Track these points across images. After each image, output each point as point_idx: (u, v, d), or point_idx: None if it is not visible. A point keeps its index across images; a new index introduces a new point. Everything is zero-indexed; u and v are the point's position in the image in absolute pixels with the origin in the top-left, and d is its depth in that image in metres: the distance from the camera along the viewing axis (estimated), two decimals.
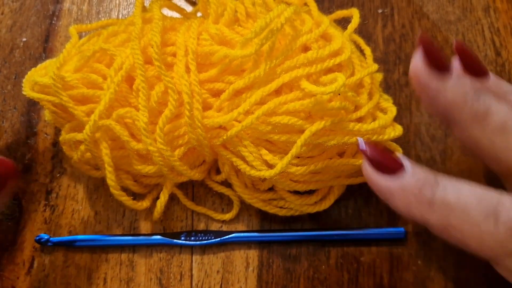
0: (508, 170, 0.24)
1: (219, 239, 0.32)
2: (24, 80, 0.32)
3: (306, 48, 0.31)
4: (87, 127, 0.29)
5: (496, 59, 0.38)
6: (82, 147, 0.30)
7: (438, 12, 0.40)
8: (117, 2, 0.41)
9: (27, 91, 0.31)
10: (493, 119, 0.23)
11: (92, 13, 0.40)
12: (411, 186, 0.22)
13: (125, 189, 0.31)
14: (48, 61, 0.34)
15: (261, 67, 0.28)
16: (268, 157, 0.29)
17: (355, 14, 0.34)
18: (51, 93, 0.30)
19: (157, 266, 0.32)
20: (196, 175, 0.31)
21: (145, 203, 0.32)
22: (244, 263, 0.32)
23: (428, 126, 0.36)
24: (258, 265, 0.32)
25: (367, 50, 0.35)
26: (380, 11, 0.40)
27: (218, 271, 0.32)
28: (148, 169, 0.30)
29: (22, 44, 0.39)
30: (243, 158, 0.30)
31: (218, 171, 0.33)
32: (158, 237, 0.32)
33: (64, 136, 0.31)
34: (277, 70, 0.28)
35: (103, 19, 0.40)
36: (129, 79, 0.30)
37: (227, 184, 0.33)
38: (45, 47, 0.39)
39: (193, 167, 0.32)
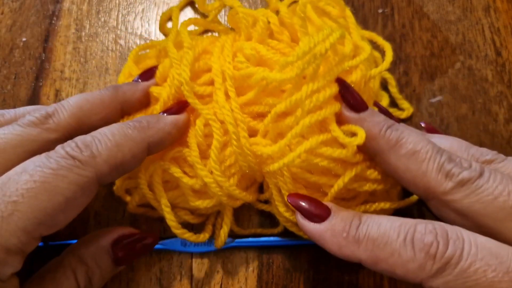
0: (426, 192, 0.26)
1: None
2: None
3: None
4: (140, 174, 0.29)
5: (496, 59, 0.38)
6: (137, 193, 0.31)
7: (438, 12, 0.40)
8: (117, 2, 0.41)
9: None
10: (405, 146, 0.26)
11: (92, 13, 0.40)
12: (339, 228, 0.25)
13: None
14: None
15: (303, 89, 0.27)
16: None
17: (388, 51, 0.33)
18: None
19: (157, 266, 0.32)
20: (249, 197, 0.31)
21: (207, 234, 0.31)
22: (244, 263, 0.32)
23: None
24: (258, 265, 0.32)
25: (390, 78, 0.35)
26: (380, 11, 0.40)
27: (218, 271, 0.32)
28: (206, 203, 0.30)
29: (22, 44, 0.39)
30: (281, 195, 0.29)
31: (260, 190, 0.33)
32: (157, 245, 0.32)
33: (118, 185, 0.31)
34: (320, 96, 0.27)
35: (102, 19, 0.40)
36: None
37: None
38: (45, 47, 0.39)
39: (245, 188, 0.31)
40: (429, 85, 0.37)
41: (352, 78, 0.28)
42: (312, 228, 0.26)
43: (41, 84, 0.37)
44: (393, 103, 0.36)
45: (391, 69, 0.37)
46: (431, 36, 0.39)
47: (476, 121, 0.36)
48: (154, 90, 0.31)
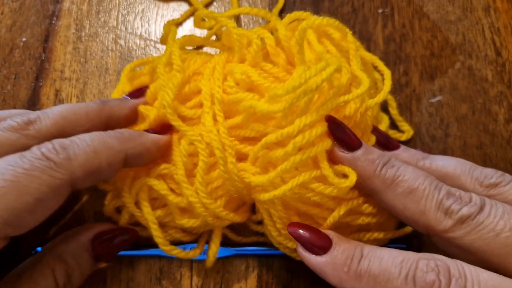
0: (426, 230, 0.25)
1: (219, 256, 0.32)
2: None
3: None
4: (124, 190, 0.29)
5: (497, 59, 0.38)
6: (126, 211, 0.30)
7: (438, 12, 0.40)
8: (117, 2, 0.41)
9: None
10: (401, 184, 0.25)
11: (92, 13, 0.40)
12: (340, 262, 0.25)
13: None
14: None
15: (296, 123, 0.26)
16: None
17: (387, 79, 0.31)
18: None
19: (157, 266, 0.32)
20: (238, 218, 0.30)
21: (198, 250, 0.31)
22: (244, 263, 0.32)
23: (428, 126, 0.36)
24: (258, 265, 0.32)
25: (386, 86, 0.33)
26: (380, 11, 0.40)
27: (218, 271, 0.32)
28: (191, 222, 0.30)
29: (22, 44, 0.39)
30: (273, 220, 0.29)
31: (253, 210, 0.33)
32: (157, 249, 0.32)
33: (107, 205, 0.31)
34: (312, 133, 0.26)
35: (102, 19, 0.40)
36: None
37: None
38: (45, 47, 0.39)
39: (235, 209, 0.31)
40: (429, 85, 0.37)
41: (346, 113, 0.28)
42: (313, 260, 0.25)
43: (41, 84, 0.37)
44: (393, 124, 0.36)
45: (391, 69, 0.37)
46: (431, 36, 0.39)
47: (476, 121, 0.36)
48: (143, 109, 0.31)
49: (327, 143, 0.26)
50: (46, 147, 0.24)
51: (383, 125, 0.34)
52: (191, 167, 0.29)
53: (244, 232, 0.33)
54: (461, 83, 0.37)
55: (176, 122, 0.29)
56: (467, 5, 0.40)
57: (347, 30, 0.31)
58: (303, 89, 0.25)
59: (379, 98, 0.29)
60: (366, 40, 0.39)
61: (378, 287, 0.23)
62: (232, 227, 0.33)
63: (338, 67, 0.25)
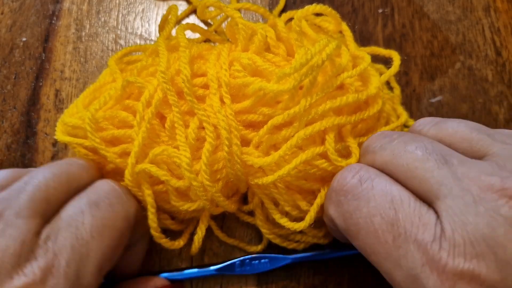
0: None
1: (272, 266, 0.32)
2: (57, 124, 0.31)
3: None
4: (126, 172, 0.28)
5: (497, 59, 0.38)
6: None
7: (438, 12, 0.40)
8: (117, 1, 0.41)
9: (59, 135, 0.31)
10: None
11: (92, 13, 0.40)
12: None
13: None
14: (78, 100, 0.32)
15: (301, 103, 0.27)
16: (302, 203, 0.29)
17: (395, 58, 0.33)
18: (79, 134, 0.30)
19: (157, 266, 0.32)
20: (231, 206, 0.30)
21: (182, 241, 0.31)
22: None
23: None
24: None
25: (396, 89, 0.34)
26: (380, 11, 0.40)
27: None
28: (188, 206, 0.29)
29: (21, 44, 0.39)
30: (275, 202, 0.29)
31: (244, 201, 0.33)
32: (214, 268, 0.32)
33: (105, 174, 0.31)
34: (318, 109, 0.27)
35: (103, 19, 0.40)
36: (159, 113, 0.30)
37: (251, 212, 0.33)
38: (45, 47, 0.39)
39: (227, 197, 0.31)
40: (429, 85, 0.37)
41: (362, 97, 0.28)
42: None
43: (41, 84, 0.37)
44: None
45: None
46: (431, 36, 0.39)
47: (476, 121, 0.36)
48: (138, 81, 0.30)
49: (335, 119, 0.27)
50: None
51: (401, 120, 0.34)
52: (193, 149, 0.29)
53: (227, 231, 0.33)
54: (461, 83, 0.37)
55: (190, 98, 0.29)
56: (467, 5, 0.40)
57: (342, 20, 0.32)
58: (309, 65, 0.26)
59: (391, 71, 0.30)
60: (366, 40, 0.39)
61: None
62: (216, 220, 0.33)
63: (339, 43, 0.26)
